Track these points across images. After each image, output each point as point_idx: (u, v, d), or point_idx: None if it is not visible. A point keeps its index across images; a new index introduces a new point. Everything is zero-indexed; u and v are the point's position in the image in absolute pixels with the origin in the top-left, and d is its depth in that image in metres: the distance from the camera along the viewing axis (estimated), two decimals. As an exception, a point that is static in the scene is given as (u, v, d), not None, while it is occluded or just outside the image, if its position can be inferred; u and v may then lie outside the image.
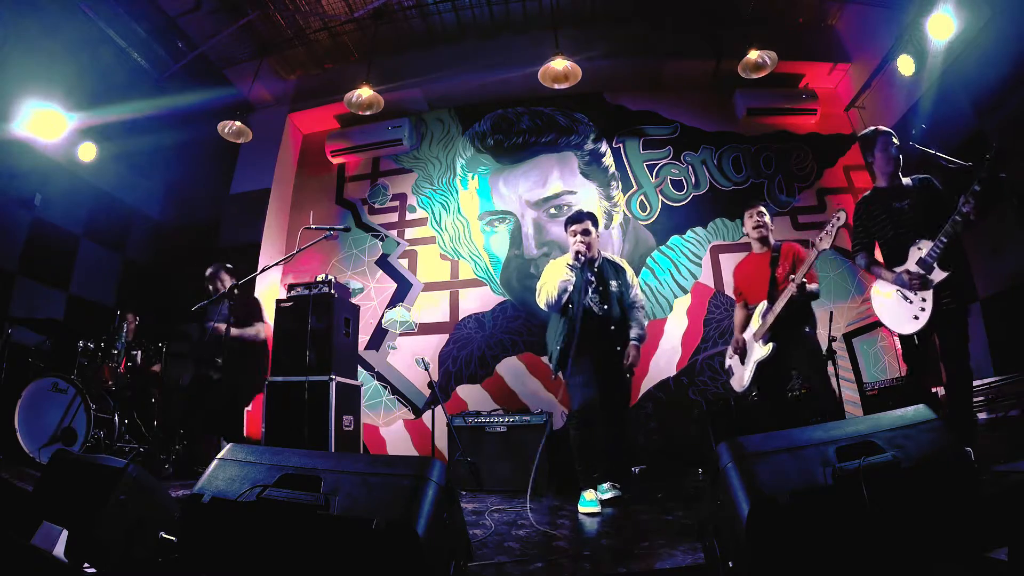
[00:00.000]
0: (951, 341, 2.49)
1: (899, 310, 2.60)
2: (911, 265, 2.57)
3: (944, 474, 1.23)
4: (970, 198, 2.33)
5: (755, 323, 3.07)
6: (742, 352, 3.15)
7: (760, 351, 2.99)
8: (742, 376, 3.14)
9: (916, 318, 2.52)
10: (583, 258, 2.95)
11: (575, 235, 3.04)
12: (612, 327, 2.99)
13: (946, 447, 1.28)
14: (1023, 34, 3.37)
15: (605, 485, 2.75)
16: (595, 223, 3.12)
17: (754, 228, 3.22)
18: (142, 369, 4.33)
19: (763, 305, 3.03)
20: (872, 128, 2.87)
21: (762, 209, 3.27)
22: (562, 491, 3.44)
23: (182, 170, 5.89)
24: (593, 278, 3.02)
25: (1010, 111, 3.52)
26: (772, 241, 3.24)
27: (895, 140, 2.76)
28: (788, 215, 5.05)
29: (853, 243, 2.91)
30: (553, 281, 2.99)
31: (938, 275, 2.47)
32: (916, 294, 2.53)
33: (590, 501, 2.64)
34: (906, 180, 2.74)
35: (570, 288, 2.95)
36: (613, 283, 3.07)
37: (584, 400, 2.84)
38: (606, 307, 3.01)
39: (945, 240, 2.44)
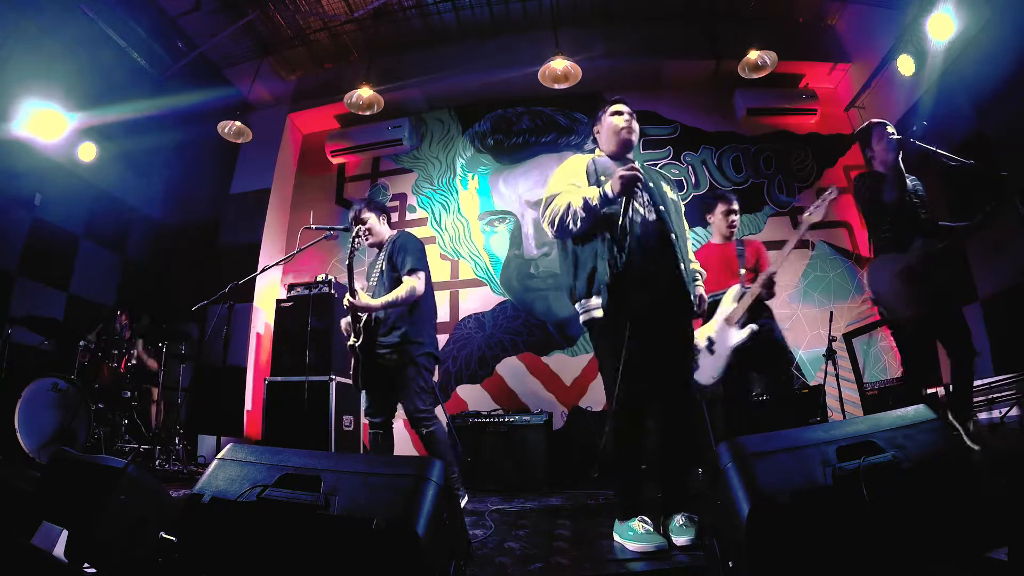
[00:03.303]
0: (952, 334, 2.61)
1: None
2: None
3: (944, 474, 1.23)
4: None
5: (726, 306, 2.90)
6: (709, 341, 2.90)
7: (737, 336, 2.79)
8: (712, 367, 2.86)
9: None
10: (635, 177, 1.84)
11: (619, 120, 2.25)
12: (674, 236, 1.97)
13: (946, 447, 1.28)
14: (1023, 34, 3.38)
15: (678, 518, 1.84)
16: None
17: (729, 225, 3.17)
18: (139, 367, 4.33)
19: (736, 289, 2.90)
20: (867, 122, 2.91)
21: (736, 207, 3.21)
22: (563, 491, 3.44)
23: (182, 170, 5.90)
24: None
25: (1010, 111, 3.53)
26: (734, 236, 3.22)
27: (891, 130, 2.75)
28: (788, 215, 5.05)
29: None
30: (569, 194, 1.97)
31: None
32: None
33: (642, 534, 1.76)
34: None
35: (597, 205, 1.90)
36: (665, 185, 2.20)
37: (633, 368, 1.81)
38: (662, 208, 2.02)
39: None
